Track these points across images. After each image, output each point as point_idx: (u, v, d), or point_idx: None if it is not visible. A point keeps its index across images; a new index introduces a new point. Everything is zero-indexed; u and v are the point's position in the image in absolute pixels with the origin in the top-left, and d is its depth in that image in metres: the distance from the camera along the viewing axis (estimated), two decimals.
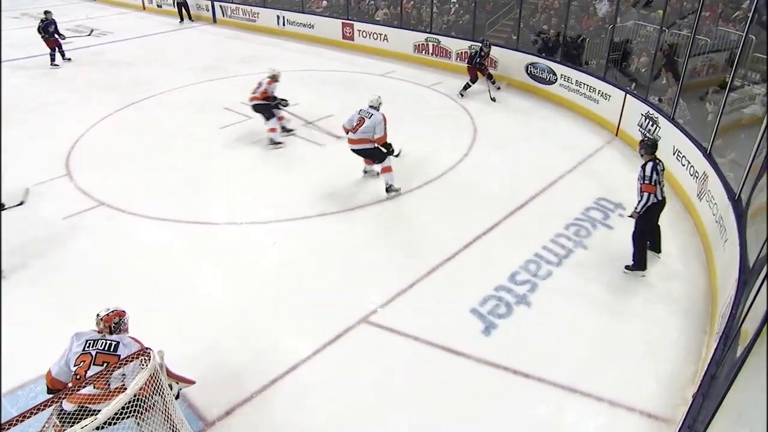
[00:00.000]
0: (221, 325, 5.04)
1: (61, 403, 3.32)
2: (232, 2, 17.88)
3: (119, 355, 3.44)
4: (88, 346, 3.48)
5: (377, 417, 4.16)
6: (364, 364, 4.63)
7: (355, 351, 4.77)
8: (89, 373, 3.35)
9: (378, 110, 7.01)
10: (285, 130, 8.99)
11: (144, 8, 21.58)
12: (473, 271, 5.75)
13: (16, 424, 2.72)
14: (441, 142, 8.89)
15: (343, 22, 14.70)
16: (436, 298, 5.38)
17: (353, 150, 7.13)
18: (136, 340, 3.59)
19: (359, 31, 14.36)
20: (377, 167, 7.32)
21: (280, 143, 8.71)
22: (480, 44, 10.61)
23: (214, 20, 18.64)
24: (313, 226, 6.63)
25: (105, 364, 3.36)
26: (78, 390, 3.21)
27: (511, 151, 8.56)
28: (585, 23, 10.84)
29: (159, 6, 20.74)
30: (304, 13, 15.81)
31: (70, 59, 13.81)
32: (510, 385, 4.40)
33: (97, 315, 3.65)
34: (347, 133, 7.07)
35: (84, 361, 3.41)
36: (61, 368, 3.47)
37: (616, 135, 8.96)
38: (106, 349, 3.48)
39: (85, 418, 2.94)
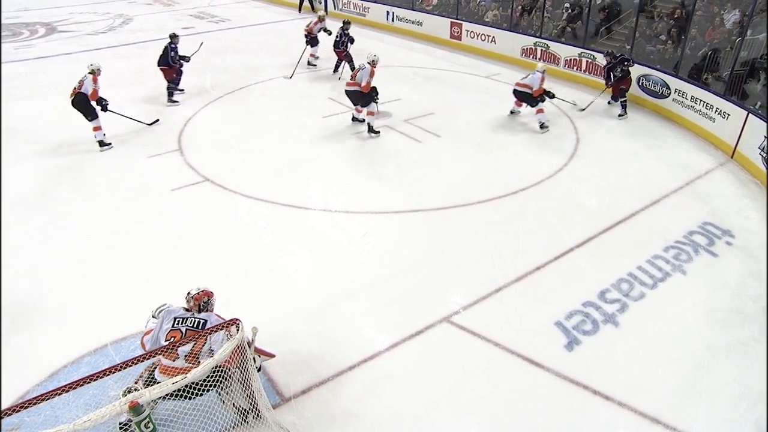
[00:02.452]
0: (305, 308, 5.26)
1: (155, 373, 3.66)
2: None
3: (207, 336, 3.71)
4: (178, 323, 3.78)
5: (449, 418, 4.18)
6: (441, 364, 4.67)
7: (433, 349, 4.81)
8: (180, 349, 3.62)
9: (370, 65, 8.71)
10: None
11: None
12: (562, 284, 5.61)
13: (119, 370, 3.03)
14: (541, 149, 8.70)
15: (451, 22, 14.69)
16: (520, 307, 5.30)
17: (346, 91, 9.01)
18: (222, 319, 3.83)
19: (467, 31, 14.30)
20: (362, 112, 9.11)
21: (377, 132, 8.96)
22: (614, 57, 9.98)
23: (326, 12, 19.21)
24: (405, 220, 6.73)
25: (193, 342, 3.66)
26: (173, 350, 3.55)
27: (613, 165, 8.22)
28: (709, 35, 10.15)
29: None
30: (413, 10, 15.95)
31: (183, 90, 11.17)
32: (588, 405, 4.27)
33: (188, 293, 3.95)
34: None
35: (174, 337, 3.70)
36: (153, 344, 3.78)
37: (732, 157, 8.35)
38: (194, 326, 3.77)
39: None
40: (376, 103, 9.06)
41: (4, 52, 14.49)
